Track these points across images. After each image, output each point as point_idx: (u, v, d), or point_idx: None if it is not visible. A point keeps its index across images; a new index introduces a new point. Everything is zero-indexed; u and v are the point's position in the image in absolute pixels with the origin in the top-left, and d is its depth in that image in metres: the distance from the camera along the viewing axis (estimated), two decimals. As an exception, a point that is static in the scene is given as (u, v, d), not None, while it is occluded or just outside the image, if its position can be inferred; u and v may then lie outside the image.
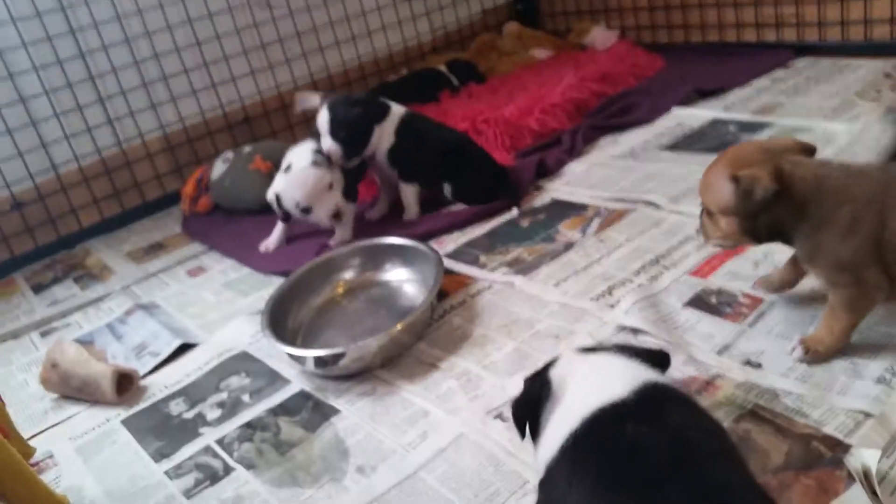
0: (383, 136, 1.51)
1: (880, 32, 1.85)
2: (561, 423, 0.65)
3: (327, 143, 1.45)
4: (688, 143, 1.62)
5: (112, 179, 1.98)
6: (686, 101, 1.84)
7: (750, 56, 2.04)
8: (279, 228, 1.57)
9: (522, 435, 0.71)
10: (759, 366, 0.92)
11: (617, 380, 0.65)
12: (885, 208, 0.81)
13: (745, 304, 1.04)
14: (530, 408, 0.70)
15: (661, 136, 1.69)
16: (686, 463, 0.57)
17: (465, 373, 1.05)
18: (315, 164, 1.45)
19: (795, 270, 0.99)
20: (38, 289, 1.72)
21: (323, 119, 1.45)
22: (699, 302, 1.07)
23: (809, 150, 0.89)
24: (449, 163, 1.52)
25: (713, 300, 1.06)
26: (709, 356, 0.95)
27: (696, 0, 2.20)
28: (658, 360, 0.71)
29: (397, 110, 1.53)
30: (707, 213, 0.93)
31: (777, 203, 0.83)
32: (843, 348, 0.90)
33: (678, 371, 0.94)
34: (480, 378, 1.03)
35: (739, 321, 1.01)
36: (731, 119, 1.68)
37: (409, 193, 1.56)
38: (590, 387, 0.66)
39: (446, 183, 1.54)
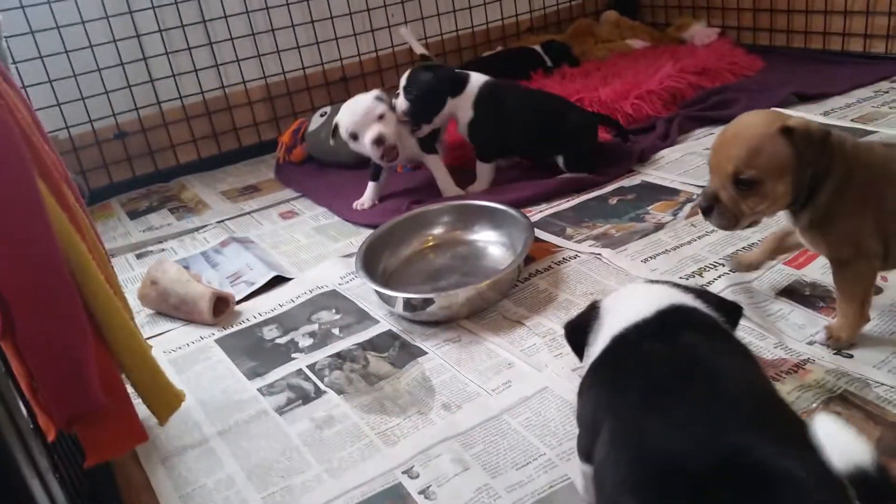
0: (461, 109, 1.54)
1: None
2: (597, 343, 0.72)
3: (400, 99, 1.51)
4: (785, 142, 1.60)
5: (212, 121, 2.06)
6: (784, 103, 1.82)
7: (854, 65, 2.00)
8: (371, 187, 1.61)
9: (579, 356, 0.77)
10: (850, 356, 0.93)
11: (647, 304, 0.70)
12: (885, 182, 0.86)
13: (839, 298, 1.04)
14: (580, 330, 0.76)
15: (757, 134, 1.67)
16: (692, 377, 0.61)
17: (549, 332, 1.08)
18: (375, 97, 1.51)
19: (772, 251, 1.04)
20: (133, 215, 1.81)
21: (403, 78, 1.53)
22: (792, 293, 1.07)
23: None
24: (550, 133, 1.54)
25: (807, 292, 1.07)
26: (800, 345, 0.96)
27: (802, 5, 2.17)
28: (727, 308, 0.72)
29: (476, 82, 1.55)
30: (747, 188, 0.86)
31: (821, 153, 0.84)
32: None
33: (769, 353, 0.95)
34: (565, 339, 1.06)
35: (833, 315, 1.01)
36: (830, 124, 1.65)
37: (484, 171, 1.59)
38: (625, 311, 0.71)
39: (556, 156, 1.56)
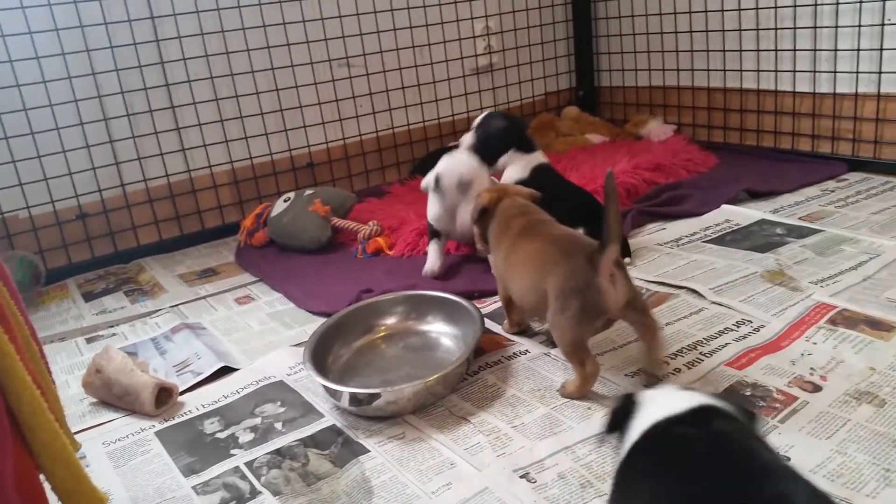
0: (513, 169, 1.60)
1: (936, 157, 1.89)
2: (630, 436, 0.74)
3: (468, 135, 1.61)
4: (734, 239, 1.65)
5: (175, 203, 2.07)
6: (736, 200, 1.88)
7: (803, 164, 2.09)
8: (434, 247, 1.61)
9: (609, 432, 0.78)
10: (787, 459, 0.93)
11: (680, 402, 0.73)
12: (506, 235, 1.22)
13: (779, 399, 1.05)
14: (622, 416, 0.77)
15: (708, 230, 1.72)
16: (728, 453, 0.64)
17: (494, 430, 1.07)
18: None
19: None
20: (88, 297, 1.79)
21: (478, 118, 1.66)
22: (733, 393, 1.08)
23: (535, 199, 1.30)
24: (585, 213, 1.54)
25: (747, 392, 1.08)
26: (739, 445, 0.96)
27: (754, 105, 2.27)
28: (746, 414, 0.76)
29: (536, 158, 1.63)
30: None
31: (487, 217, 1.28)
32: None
33: (707, 456, 0.95)
34: (509, 437, 1.05)
35: (771, 416, 1.02)
36: (778, 221, 1.71)
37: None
38: (657, 408, 0.74)
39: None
